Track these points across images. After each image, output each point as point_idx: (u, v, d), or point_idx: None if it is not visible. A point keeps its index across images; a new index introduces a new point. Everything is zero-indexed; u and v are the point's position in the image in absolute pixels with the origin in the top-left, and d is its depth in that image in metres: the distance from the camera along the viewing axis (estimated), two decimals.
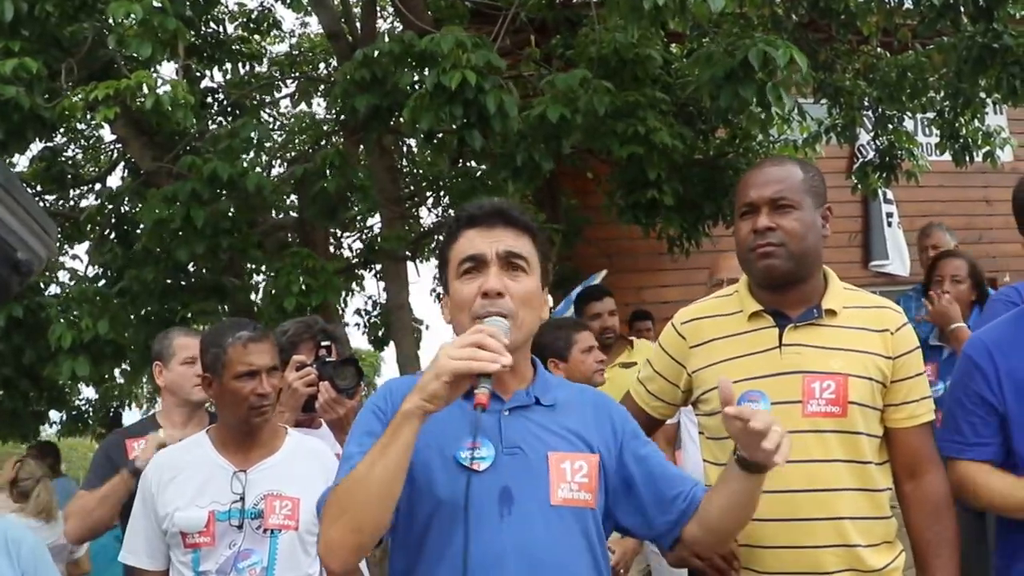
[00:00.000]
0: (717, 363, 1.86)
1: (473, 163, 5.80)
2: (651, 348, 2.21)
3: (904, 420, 1.83)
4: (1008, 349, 1.89)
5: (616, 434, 1.57)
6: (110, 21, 4.14)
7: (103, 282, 5.86)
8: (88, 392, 7.20)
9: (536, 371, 1.59)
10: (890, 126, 5.91)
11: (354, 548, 1.39)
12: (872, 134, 6.09)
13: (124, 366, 5.80)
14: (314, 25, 7.50)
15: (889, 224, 7.76)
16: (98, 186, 6.72)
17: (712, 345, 1.89)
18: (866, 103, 5.80)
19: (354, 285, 7.91)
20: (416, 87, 4.37)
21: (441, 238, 1.64)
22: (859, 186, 6.27)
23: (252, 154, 5.49)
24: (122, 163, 6.40)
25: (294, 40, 7.71)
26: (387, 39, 4.50)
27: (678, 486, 1.57)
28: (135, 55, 4.11)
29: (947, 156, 5.82)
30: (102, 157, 7.37)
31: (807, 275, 1.85)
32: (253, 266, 5.69)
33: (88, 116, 4.27)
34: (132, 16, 3.89)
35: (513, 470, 1.46)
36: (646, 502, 1.55)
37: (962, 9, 4.63)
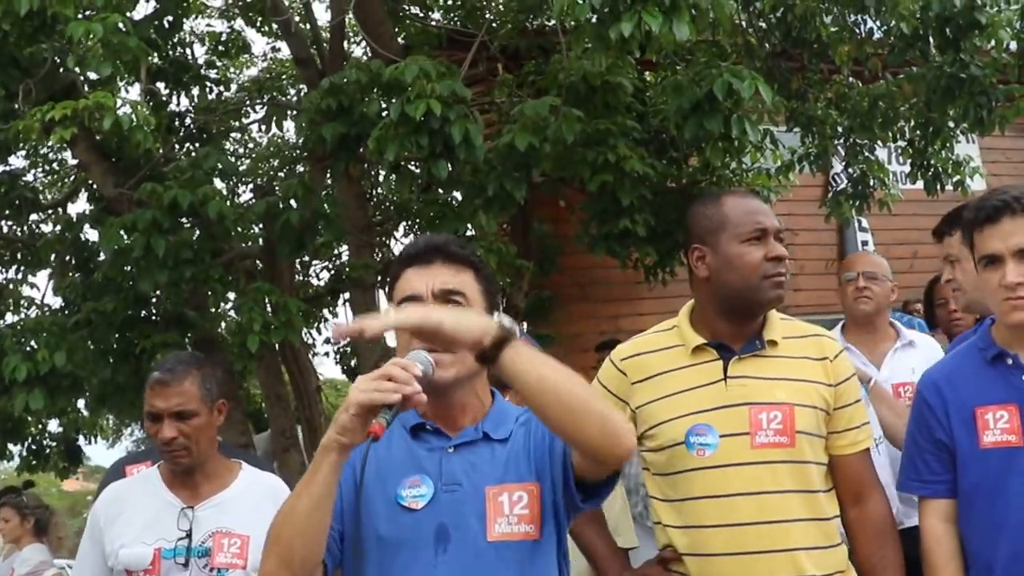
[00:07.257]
0: (663, 398, 1.84)
1: (442, 191, 5.74)
2: None
3: (847, 447, 1.83)
4: (957, 382, 1.88)
5: (544, 438, 1.50)
6: (70, 42, 4.06)
7: (64, 311, 5.71)
8: (52, 424, 7.01)
9: (493, 405, 1.56)
10: (861, 155, 5.92)
11: None
12: (844, 163, 6.10)
13: (86, 399, 5.64)
14: (285, 50, 7.48)
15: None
16: (59, 211, 6.61)
17: (656, 380, 1.87)
18: (838, 132, 5.82)
19: (326, 313, 7.81)
20: (383, 116, 4.34)
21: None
22: (832, 215, 6.26)
23: (218, 181, 5.40)
24: (83, 189, 6.29)
25: (264, 64, 7.68)
26: (355, 67, 4.47)
27: None
28: (95, 76, 4.03)
29: (919, 184, 5.83)
30: (65, 182, 7.25)
31: None
32: (217, 297, 5.58)
33: (46, 138, 4.18)
34: (92, 35, 3.83)
35: (451, 507, 1.47)
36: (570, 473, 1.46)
37: (931, 40, 4.67)
